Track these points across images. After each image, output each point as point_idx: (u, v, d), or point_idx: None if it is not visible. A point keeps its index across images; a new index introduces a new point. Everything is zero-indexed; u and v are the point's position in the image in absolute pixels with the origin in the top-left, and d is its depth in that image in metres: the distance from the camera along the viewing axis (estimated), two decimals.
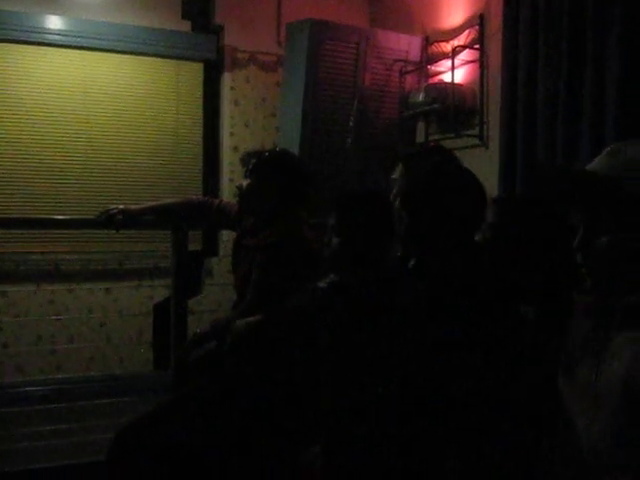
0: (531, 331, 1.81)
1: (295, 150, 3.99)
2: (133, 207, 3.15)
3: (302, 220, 2.82)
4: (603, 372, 1.34)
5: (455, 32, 4.24)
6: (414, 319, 1.84)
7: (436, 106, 4.08)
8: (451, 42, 4.20)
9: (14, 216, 4.45)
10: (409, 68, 4.45)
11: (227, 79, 5.02)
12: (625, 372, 1.29)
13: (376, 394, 1.82)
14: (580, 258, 1.40)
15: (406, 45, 4.46)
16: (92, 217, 3.46)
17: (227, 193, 4.85)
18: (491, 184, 3.67)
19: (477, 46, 4.07)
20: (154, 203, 3.28)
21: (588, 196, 1.37)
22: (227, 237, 4.68)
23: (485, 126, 4.03)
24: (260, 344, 2.43)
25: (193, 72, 5.01)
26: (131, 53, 4.77)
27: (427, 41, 4.45)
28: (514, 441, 1.63)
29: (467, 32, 4.13)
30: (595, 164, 1.42)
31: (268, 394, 2.22)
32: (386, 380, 1.82)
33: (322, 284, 2.27)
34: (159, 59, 4.87)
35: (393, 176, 2.54)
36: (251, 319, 2.57)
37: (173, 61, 4.91)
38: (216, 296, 4.79)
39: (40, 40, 4.49)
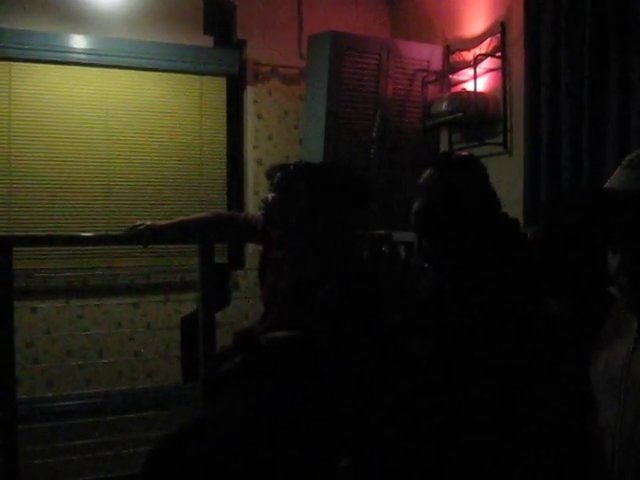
0: (559, 330, 1.80)
1: (319, 161, 4.00)
2: (160, 223, 3.17)
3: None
4: (634, 364, 1.36)
5: (476, 40, 4.23)
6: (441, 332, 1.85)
7: (459, 115, 4.07)
8: (473, 50, 4.20)
9: (41, 233, 4.49)
10: (431, 77, 4.45)
11: (250, 93, 5.05)
12: None
13: (408, 404, 1.82)
14: (624, 281, 1.39)
15: (428, 55, 4.46)
16: (119, 233, 3.50)
17: (252, 206, 4.86)
18: (516, 191, 3.66)
19: (499, 54, 4.06)
20: (180, 218, 3.31)
21: (615, 217, 1.37)
22: (252, 250, 4.70)
23: (509, 134, 4.02)
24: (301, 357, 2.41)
25: (216, 87, 5.05)
26: (154, 70, 4.81)
27: (449, 50, 4.45)
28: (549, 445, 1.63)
29: (489, 40, 4.13)
30: (616, 179, 1.42)
31: (299, 405, 2.22)
32: (418, 390, 1.82)
33: None
34: (182, 75, 4.91)
35: (419, 182, 2.51)
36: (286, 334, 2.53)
37: (196, 76, 4.95)
38: (243, 308, 4.81)
39: (64, 59, 4.56)
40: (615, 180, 1.41)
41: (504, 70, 4.04)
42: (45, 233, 4.51)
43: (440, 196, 1.91)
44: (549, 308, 1.85)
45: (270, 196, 2.91)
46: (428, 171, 2.42)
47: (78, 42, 4.57)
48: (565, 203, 1.56)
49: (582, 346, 1.57)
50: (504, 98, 4.04)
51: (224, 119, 5.08)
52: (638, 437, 1.34)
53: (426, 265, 2.03)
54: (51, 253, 4.56)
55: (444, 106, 4.16)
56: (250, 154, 5.05)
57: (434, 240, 1.88)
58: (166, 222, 3.20)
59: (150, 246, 3.95)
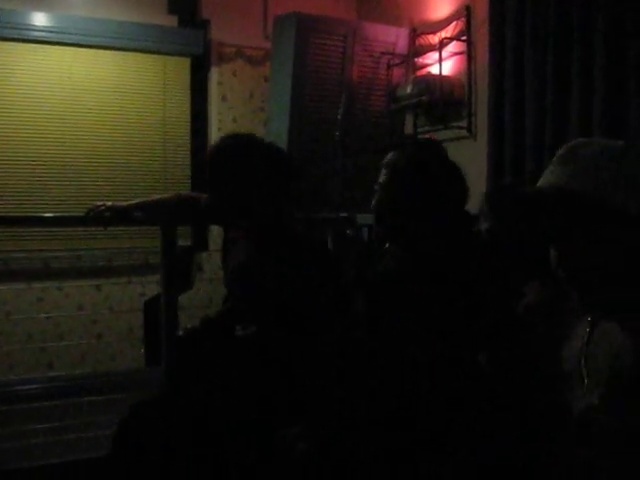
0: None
1: (283, 144, 3.98)
2: (121, 204, 3.13)
3: (282, 210, 2.78)
4: (590, 357, 1.40)
5: (442, 24, 4.23)
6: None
7: (424, 98, 4.07)
8: (438, 34, 4.20)
9: (1, 214, 4.42)
10: (396, 60, 4.44)
11: (214, 74, 5.00)
12: (613, 354, 1.34)
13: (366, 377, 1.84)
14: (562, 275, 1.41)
15: (393, 37, 4.45)
16: (80, 214, 3.44)
17: None
18: (479, 175, 3.68)
19: (464, 38, 4.07)
20: (142, 199, 3.26)
21: (545, 214, 1.39)
22: (217, 232, 4.67)
23: (473, 117, 4.04)
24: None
25: (180, 67, 4.99)
26: (117, 49, 4.74)
27: (414, 33, 4.45)
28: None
29: (454, 24, 4.13)
30: (547, 176, 1.43)
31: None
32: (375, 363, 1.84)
33: None
34: (145, 55, 4.85)
35: (384, 161, 2.51)
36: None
37: (160, 56, 4.89)
38: (207, 291, 4.78)
39: (26, 37, 4.47)
40: (546, 177, 1.43)
41: (469, 54, 4.05)
42: (4, 214, 4.44)
43: (391, 182, 1.93)
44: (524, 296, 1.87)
45: None
46: (390, 155, 2.43)
47: (40, 20, 4.48)
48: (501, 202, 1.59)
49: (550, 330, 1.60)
50: (469, 82, 4.06)
51: (188, 100, 5.03)
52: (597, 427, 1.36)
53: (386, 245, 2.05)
54: (10, 234, 4.50)
55: (409, 89, 4.16)
56: (214, 135, 4.99)
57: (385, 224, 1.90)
58: (127, 203, 3.16)
59: (111, 228, 3.90)
